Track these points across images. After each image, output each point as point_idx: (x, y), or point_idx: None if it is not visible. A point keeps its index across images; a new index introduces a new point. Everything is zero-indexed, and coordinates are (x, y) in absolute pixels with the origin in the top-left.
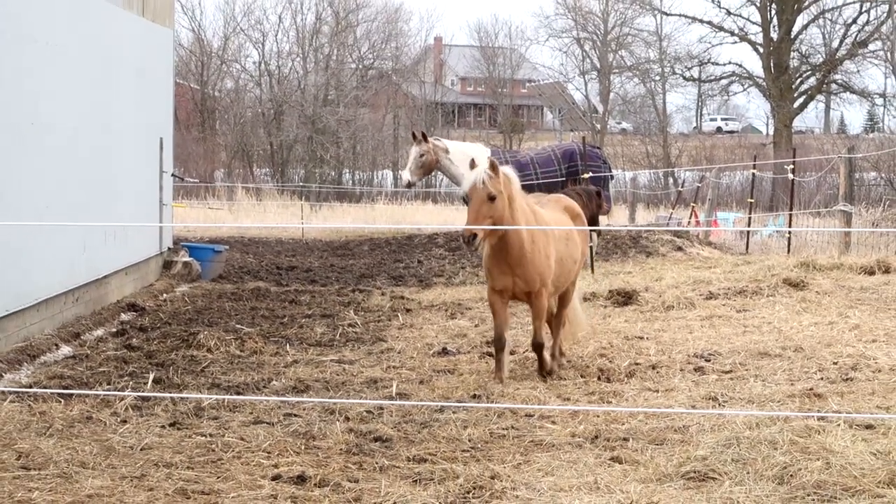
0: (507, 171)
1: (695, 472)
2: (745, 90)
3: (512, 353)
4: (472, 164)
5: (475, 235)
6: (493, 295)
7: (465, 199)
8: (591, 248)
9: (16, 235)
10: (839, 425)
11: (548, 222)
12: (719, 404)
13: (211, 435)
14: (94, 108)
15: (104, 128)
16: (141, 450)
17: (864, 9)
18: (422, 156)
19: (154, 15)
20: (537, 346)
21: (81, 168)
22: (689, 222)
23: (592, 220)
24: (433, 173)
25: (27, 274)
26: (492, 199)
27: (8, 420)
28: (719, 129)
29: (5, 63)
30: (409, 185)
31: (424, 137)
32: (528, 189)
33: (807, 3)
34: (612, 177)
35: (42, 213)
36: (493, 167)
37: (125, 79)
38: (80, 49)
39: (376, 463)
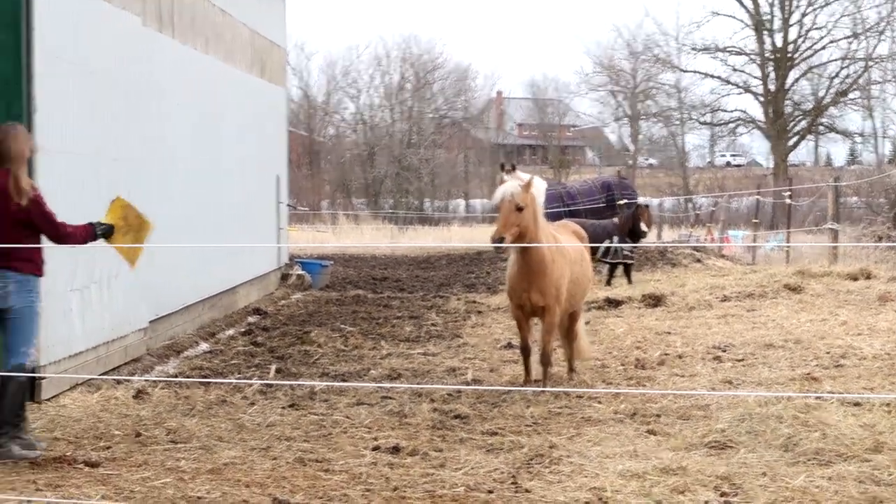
0: (534, 189)
1: (716, 442)
2: (748, 132)
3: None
4: (501, 180)
5: (503, 238)
6: (517, 310)
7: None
8: (630, 263)
9: (165, 254)
10: (833, 403)
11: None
12: (734, 386)
13: (322, 414)
14: (228, 151)
15: (233, 167)
16: (266, 426)
17: (844, 65)
18: None
19: (271, 77)
20: (546, 360)
21: (217, 199)
22: (705, 239)
23: (634, 233)
24: None
25: (173, 285)
26: (520, 209)
27: (159, 403)
28: (728, 164)
29: (166, 114)
30: None
31: (513, 168)
32: (575, 214)
33: (797, 62)
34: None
35: (185, 237)
36: (527, 184)
37: (250, 128)
38: (216, 106)
39: (456, 436)
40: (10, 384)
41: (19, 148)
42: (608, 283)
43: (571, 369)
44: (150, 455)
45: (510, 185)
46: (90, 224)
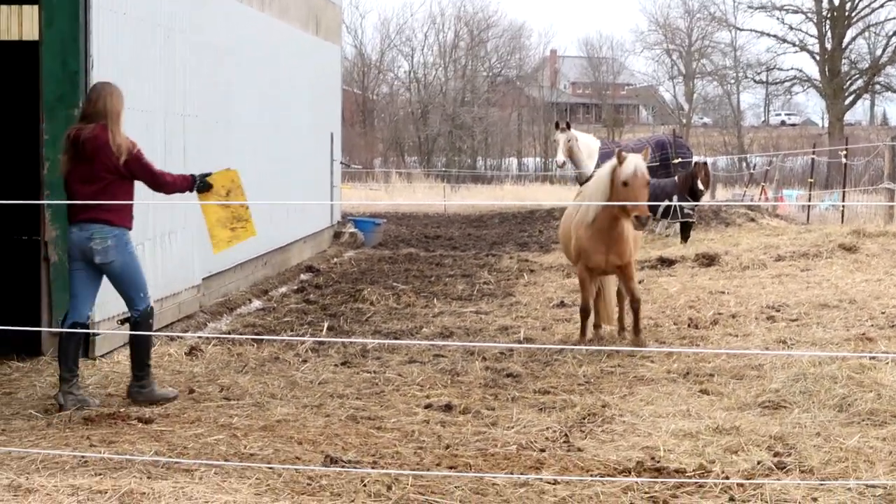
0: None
1: (769, 402)
2: (804, 91)
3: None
4: (621, 157)
5: (649, 216)
6: (585, 272)
7: (579, 179)
8: (691, 222)
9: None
10: (888, 363)
11: None
12: (788, 346)
13: (374, 372)
14: (282, 110)
15: (289, 125)
16: (319, 384)
17: None
18: (568, 141)
19: (326, 35)
20: (637, 303)
21: (274, 156)
22: (759, 198)
23: (692, 192)
24: None
25: None
26: (647, 184)
27: (212, 360)
28: (783, 123)
29: (228, 71)
30: (563, 164)
31: (568, 126)
32: None
33: (855, 19)
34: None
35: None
36: (646, 155)
37: (305, 86)
38: (272, 63)
39: (508, 394)
40: (140, 328)
41: (115, 105)
42: (683, 240)
43: (622, 328)
44: (203, 412)
45: (639, 161)
46: (191, 174)
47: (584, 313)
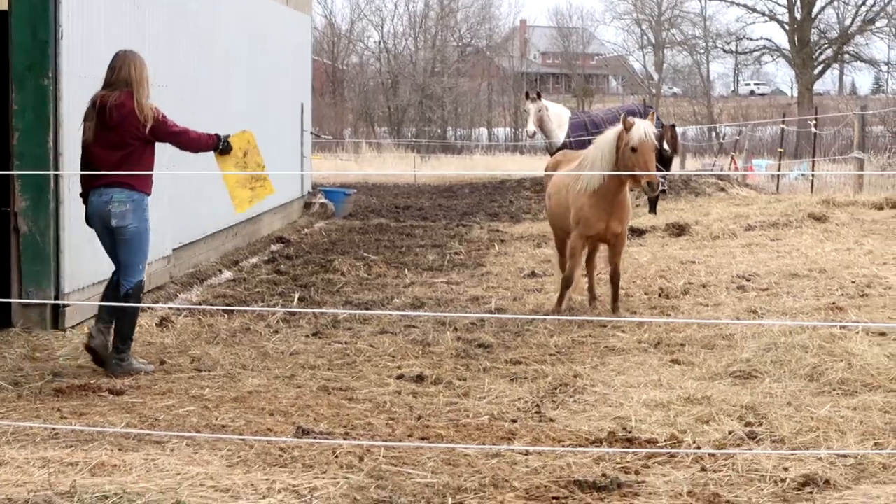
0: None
1: (740, 372)
2: (773, 60)
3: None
4: (629, 122)
5: (661, 180)
6: (580, 240)
7: (549, 149)
8: (663, 189)
9: (188, 182)
10: (858, 333)
11: None
12: (759, 316)
13: (346, 342)
14: (256, 79)
15: (261, 95)
16: (290, 355)
17: None
18: (539, 111)
19: (296, 4)
20: (618, 276)
21: (240, 124)
22: (729, 168)
23: (661, 159)
24: None
25: (197, 213)
26: (656, 148)
27: (183, 331)
28: (752, 92)
29: (197, 40)
30: (534, 134)
31: (539, 96)
32: None
33: None
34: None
35: (211, 164)
36: (651, 118)
37: (276, 56)
38: (245, 33)
39: (480, 365)
40: (130, 299)
41: (139, 72)
42: (651, 210)
43: (594, 297)
44: (175, 383)
45: (647, 125)
46: (216, 134)
47: (567, 282)
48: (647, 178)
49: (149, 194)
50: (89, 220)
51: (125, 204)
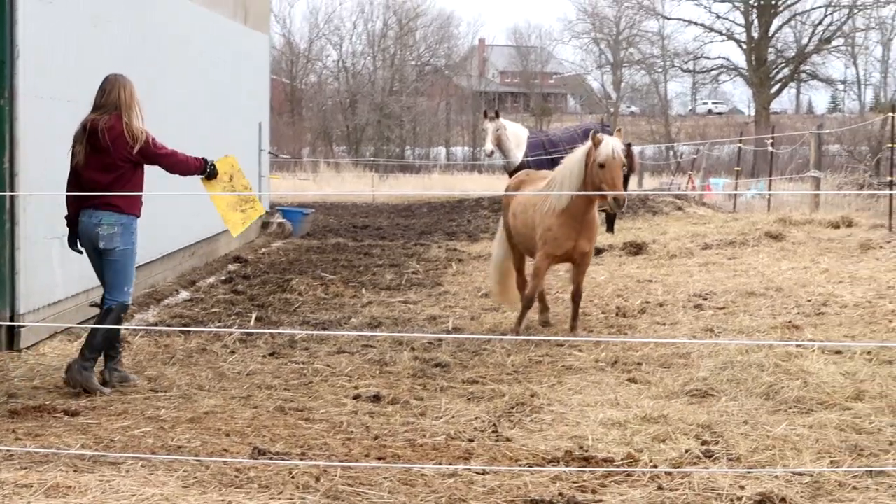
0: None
1: (697, 390)
2: (731, 79)
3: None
4: (597, 139)
5: (624, 195)
6: (545, 260)
7: (507, 168)
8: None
9: (145, 202)
10: (814, 351)
11: None
12: (715, 334)
13: (303, 362)
14: (212, 98)
15: (217, 114)
16: (247, 375)
17: (828, 12)
18: (497, 130)
19: (254, 24)
20: (580, 296)
21: (202, 146)
22: (686, 187)
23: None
24: None
25: (154, 233)
26: (623, 165)
27: (139, 352)
28: (710, 111)
29: (153, 60)
30: (491, 153)
31: (497, 115)
32: (558, 161)
33: (781, 8)
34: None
35: (164, 184)
36: (619, 133)
37: (233, 75)
38: (201, 52)
39: (437, 384)
40: (110, 315)
41: (129, 95)
42: (609, 229)
43: (547, 308)
44: (130, 404)
45: (615, 142)
46: (203, 158)
47: (529, 302)
48: (613, 193)
49: (138, 216)
50: (81, 239)
51: (114, 227)
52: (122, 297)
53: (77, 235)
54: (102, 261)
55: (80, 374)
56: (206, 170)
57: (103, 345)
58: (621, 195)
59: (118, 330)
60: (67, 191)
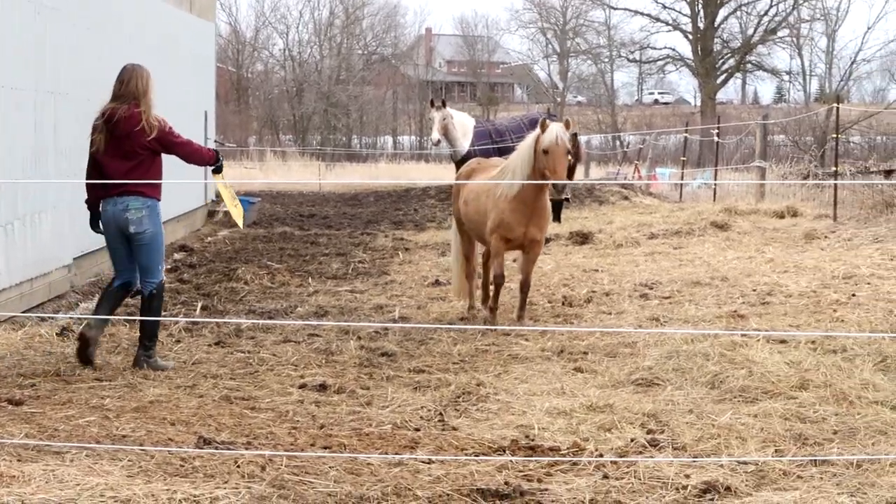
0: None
1: (642, 379)
2: (677, 70)
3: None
4: (545, 124)
5: (565, 182)
6: (500, 242)
7: (453, 158)
8: (566, 198)
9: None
10: (759, 341)
11: None
12: (661, 324)
13: (249, 352)
14: (159, 87)
15: (165, 103)
16: (192, 364)
17: (773, 3)
18: (443, 119)
19: (199, 11)
20: (528, 286)
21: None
22: (633, 177)
23: (568, 168)
24: None
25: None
26: (567, 153)
27: None
28: (656, 101)
29: (99, 48)
30: (438, 142)
31: (444, 104)
32: (504, 151)
33: None
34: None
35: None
36: (567, 125)
37: (179, 63)
38: (147, 40)
39: (383, 373)
40: (154, 300)
41: (145, 85)
42: (555, 219)
43: (488, 296)
44: (75, 393)
45: (559, 128)
46: (215, 150)
47: (501, 280)
48: (554, 179)
49: (159, 200)
50: (101, 226)
51: (141, 210)
52: (158, 277)
53: (98, 219)
54: (133, 245)
55: (147, 364)
56: (218, 160)
57: (158, 326)
58: (560, 186)
59: (160, 310)
60: (87, 177)
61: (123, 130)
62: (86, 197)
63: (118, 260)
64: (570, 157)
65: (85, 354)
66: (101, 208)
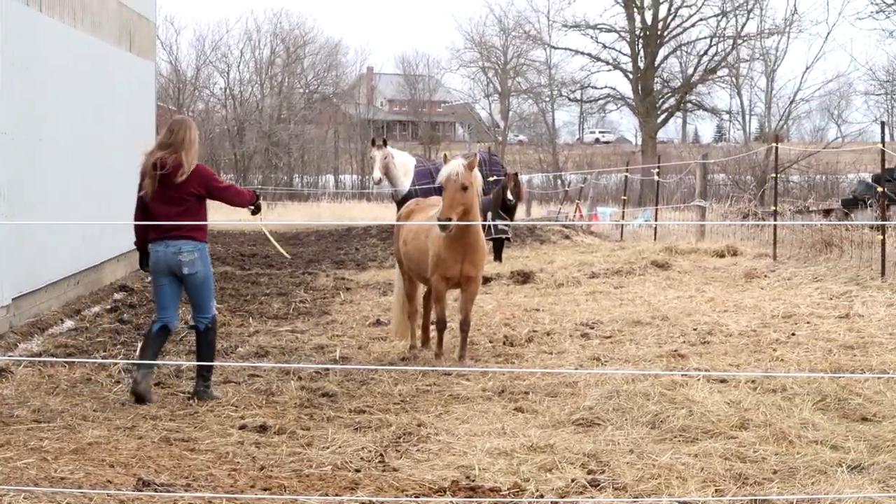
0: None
1: (583, 419)
2: (618, 109)
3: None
4: (446, 158)
5: (450, 219)
6: (441, 283)
7: (394, 197)
8: (507, 238)
9: (29, 231)
10: (699, 380)
11: None
12: (602, 363)
13: (189, 392)
14: (95, 127)
15: (103, 142)
16: (132, 405)
17: (713, 43)
18: (384, 158)
19: (140, 51)
20: (468, 325)
21: (88, 174)
22: (574, 216)
23: (505, 207)
24: None
25: (38, 261)
26: (464, 188)
27: (22, 382)
28: (597, 140)
29: (29, 91)
30: (379, 181)
31: (384, 143)
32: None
33: (667, 38)
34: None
35: (50, 212)
36: (470, 164)
37: (118, 103)
38: (84, 80)
39: (324, 414)
40: (209, 334)
41: (193, 137)
42: (496, 258)
43: (428, 340)
44: (13, 435)
45: (455, 165)
46: (254, 191)
47: (443, 325)
48: (440, 216)
49: (206, 242)
50: (154, 265)
51: (193, 253)
52: (211, 312)
53: (146, 258)
54: (185, 285)
55: (205, 395)
56: (257, 199)
57: (212, 360)
58: (441, 216)
59: (215, 342)
60: (135, 219)
61: (172, 178)
62: (134, 239)
63: (163, 298)
64: (510, 198)
65: (144, 399)
66: (150, 249)
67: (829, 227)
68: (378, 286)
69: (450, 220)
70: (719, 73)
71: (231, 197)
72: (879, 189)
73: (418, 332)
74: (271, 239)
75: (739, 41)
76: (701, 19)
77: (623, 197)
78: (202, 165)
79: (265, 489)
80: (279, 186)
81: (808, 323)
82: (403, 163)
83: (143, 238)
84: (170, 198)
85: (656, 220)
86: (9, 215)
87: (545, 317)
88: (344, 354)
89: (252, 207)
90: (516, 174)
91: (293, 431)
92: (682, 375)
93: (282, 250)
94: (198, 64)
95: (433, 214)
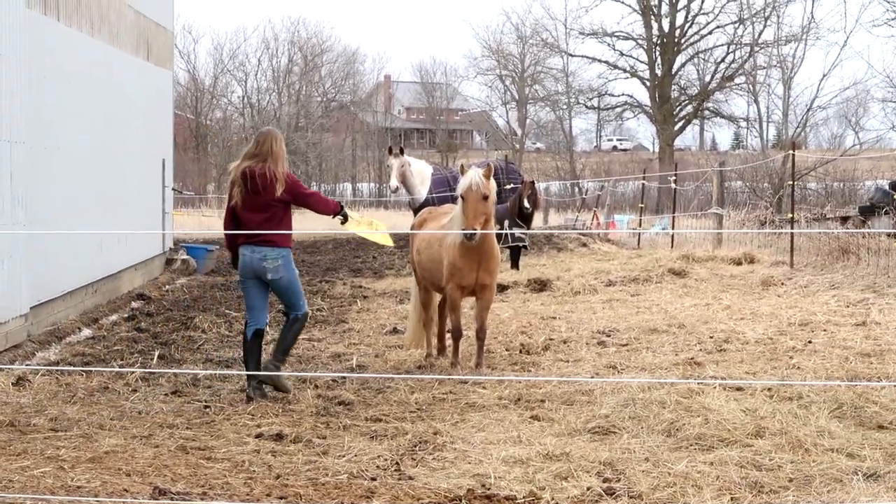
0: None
1: (599, 427)
2: (635, 116)
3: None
4: (463, 169)
5: (475, 230)
6: (456, 291)
7: (411, 205)
8: (523, 246)
9: (48, 239)
10: (715, 388)
11: None
12: (618, 371)
13: (205, 401)
14: (111, 135)
15: (119, 151)
16: (148, 414)
17: (730, 50)
18: (401, 166)
19: (157, 60)
20: (484, 333)
21: (104, 182)
22: (591, 223)
23: (522, 215)
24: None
25: (55, 271)
26: (485, 198)
27: (40, 391)
28: (615, 148)
29: (47, 101)
30: (397, 189)
31: (401, 151)
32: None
33: (684, 46)
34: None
35: (65, 220)
36: (487, 173)
37: (136, 112)
38: (102, 89)
39: (340, 422)
40: (297, 323)
41: (279, 146)
42: (513, 266)
43: (444, 349)
44: (30, 444)
45: (475, 175)
46: (339, 203)
47: (458, 334)
48: (463, 227)
49: (291, 248)
50: (242, 269)
51: (277, 260)
52: (303, 309)
53: (237, 258)
54: (272, 288)
55: (271, 368)
56: (341, 211)
57: (292, 346)
58: (469, 227)
59: (300, 333)
60: (225, 226)
61: (259, 186)
62: (227, 243)
63: (251, 299)
64: (527, 206)
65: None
66: (240, 252)
67: (846, 235)
68: (395, 294)
69: (475, 230)
70: (736, 80)
71: (315, 204)
72: None
73: (434, 341)
74: (369, 235)
75: (756, 48)
76: (718, 27)
77: (640, 205)
78: (288, 173)
79: (281, 498)
80: None
81: (824, 331)
82: (420, 171)
83: (233, 242)
84: (257, 205)
85: (673, 227)
86: (26, 223)
87: (562, 325)
88: (360, 363)
89: (341, 217)
90: (533, 182)
91: (309, 440)
92: (699, 383)
93: (385, 241)
94: (215, 72)
95: (446, 223)
